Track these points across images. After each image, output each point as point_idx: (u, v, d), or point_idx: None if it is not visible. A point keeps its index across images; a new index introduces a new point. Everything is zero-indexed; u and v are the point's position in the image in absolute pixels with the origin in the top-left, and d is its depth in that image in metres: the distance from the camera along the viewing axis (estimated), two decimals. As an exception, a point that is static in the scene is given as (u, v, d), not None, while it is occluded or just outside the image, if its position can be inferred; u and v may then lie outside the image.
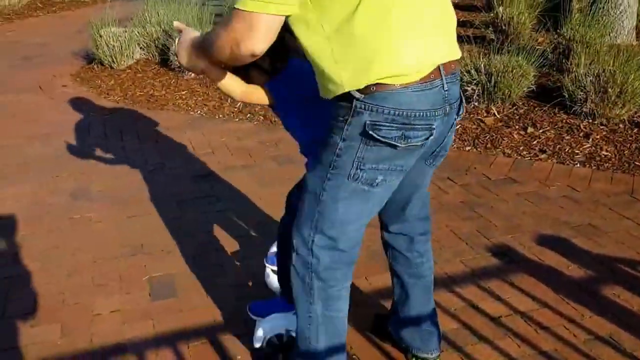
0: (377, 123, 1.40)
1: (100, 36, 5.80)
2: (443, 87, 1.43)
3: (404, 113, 1.39)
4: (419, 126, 1.42)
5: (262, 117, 4.59)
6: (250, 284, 2.54)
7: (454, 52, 1.47)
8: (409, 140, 1.42)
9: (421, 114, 1.40)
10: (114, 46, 5.75)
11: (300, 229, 1.61)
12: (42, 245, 2.91)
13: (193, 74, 5.47)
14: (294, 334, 1.89)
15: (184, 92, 5.23)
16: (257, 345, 2.01)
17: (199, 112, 4.83)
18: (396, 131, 1.40)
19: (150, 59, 6.05)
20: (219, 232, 2.97)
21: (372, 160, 1.46)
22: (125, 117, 4.75)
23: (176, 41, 1.66)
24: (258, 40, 1.34)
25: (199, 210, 3.19)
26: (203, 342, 2.18)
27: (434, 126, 1.44)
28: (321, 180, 1.54)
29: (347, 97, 1.40)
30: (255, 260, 2.70)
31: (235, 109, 4.79)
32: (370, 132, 1.41)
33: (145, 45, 5.98)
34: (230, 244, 2.86)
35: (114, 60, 5.84)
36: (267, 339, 2.01)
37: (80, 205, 3.31)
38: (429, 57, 1.39)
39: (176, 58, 1.86)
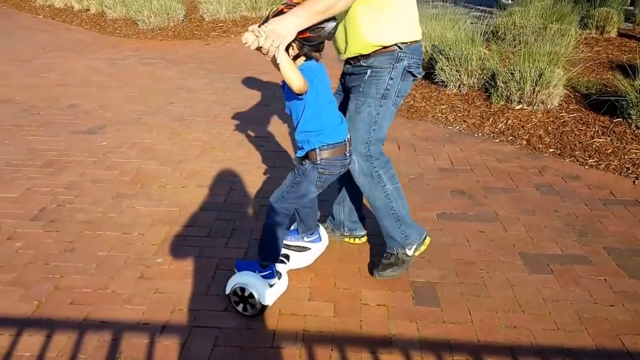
0: (411, 65, 2.41)
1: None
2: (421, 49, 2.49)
3: (420, 58, 2.44)
4: (421, 65, 2.47)
5: (524, 142, 4.48)
6: (513, 310, 2.51)
7: None
8: (420, 74, 2.46)
9: (421, 57, 2.46)
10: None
11: (357, 147, 2.45)
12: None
13: (454, 90, 5.55)
14: (254, 292, 2.40)
15: (444, 106, 5.32)
16: (227, 292, 2.48)
17: (457, 127, 4.87)
18: (417, 68, 2.44)
19: (415, 71, 6.25)
20: (479, 251, 2.97)
21: (404, 90, 2.47)
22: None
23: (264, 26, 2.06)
24: None
25: (458, 226, 3.23)
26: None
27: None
28: (375, 108, 2.43)
29: (390, 48, 2.36)
30: (521, 288, 2.66)
31: (497, 130, 4.74)
32: (409, 71, 2.42)
33: (413, 57, 6.19)
34: (493, 265, 2.85)
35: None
36: (233, 289, 2.45)
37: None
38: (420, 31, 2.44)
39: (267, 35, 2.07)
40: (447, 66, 5.55)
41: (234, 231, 3.14)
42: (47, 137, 4.53)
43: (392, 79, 2.38)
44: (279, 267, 2.56)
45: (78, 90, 5.85)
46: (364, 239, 3.03)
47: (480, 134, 4.72)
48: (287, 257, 2.71)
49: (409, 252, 2.67)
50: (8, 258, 2.84)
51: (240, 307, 2.46)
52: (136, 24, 9.23)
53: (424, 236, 2.72)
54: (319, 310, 2.50)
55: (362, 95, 2.42)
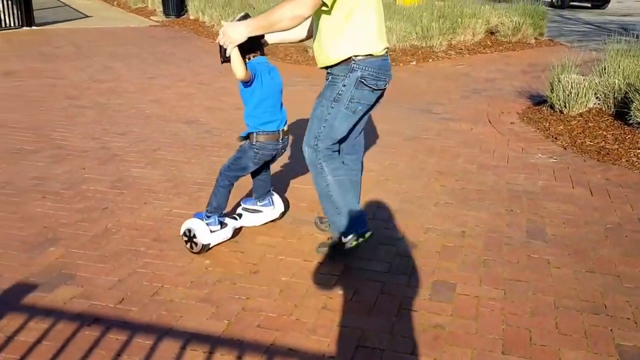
0: (364, 76, 2.77)
1: (559, 81, 5.79)
2: (389, 59, 2.88)
3: (377, 71, 2.78)
4: (382, 78, 2.83)
5: None
6: None
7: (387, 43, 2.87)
8: (378, 86, 2.82)
9: (383, 71, 2.82)
10: (570, 92, 5.67)
11: (308, 139, 2.91)
12: (503, 273, 2.99)
13: None
14: (196, 234, 3.08)
15: None
16: (180, 233, 3.17)
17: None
18: (373, 80, 2.78)
19: (604, 109, 5.78)
20: (702, 320, 2.57)
21: (360, 97, 2.82)
22: (574, 164, 4.62)
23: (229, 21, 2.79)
24: (310, 9, 2.59)
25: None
26: None
27: (387, 80, 2.87)
28: (327, 108, 2.84)
29: (348, 60, 2.75)
30: None
31: None
32: (361, 81, 2.78)
33: (602, 95, 5.74)
34: None
35: (566, 105, 5.76)
36: (183, 231, 3.15)
37: (536, 245, 3.31)
38: (386, 43, 2.84)
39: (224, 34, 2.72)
40: (644, 105, 5.05)
41: (414, 269, 3.02)
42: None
43: (344, 85, 2.82)
44: (231, 221, 3.26)
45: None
46: (369, 234, 3.05)
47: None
48: (240, 215, 3.36)
49: (345, 241, 2.98)
50: (199, 275, 2.96)
51: (188, 245, 3.16)
52: (307, 51, 9.58)
53: (364, 230, 3.00)
54: (514, 367, 2.29)
55: (320, 96, 2.93)
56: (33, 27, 12.08)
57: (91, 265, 3.02)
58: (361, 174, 3.30)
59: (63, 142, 5.00)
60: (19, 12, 11.88)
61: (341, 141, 3.01)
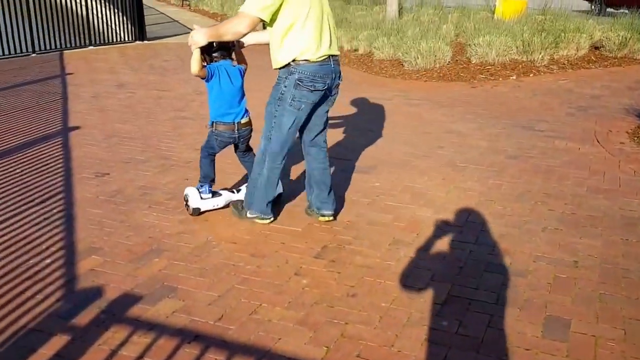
0: (301, 78, 3.31)
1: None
2: (331, 64, 3.37)
3: (314, 74, 3.31)
4: (319, 81, 3.33)
5: None
6: None
7: (335, 50, 3.40)
8: (317, 87, 3.34)
9: (320, 75, 3.33)
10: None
11: (263, 135, 3.50)
12: (622, 311, 2.74)
13: None
14: (189, 199, 3.78)
15: None
16: (183, 195, 3.88)
17: None
18: (310, 82, 3.31)
19: None
20: None
21: (301, 97, 3.35)
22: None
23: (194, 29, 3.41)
24: (247, 28, 3.23)
25: None
26: None
27: (327, 82, 3.38)
28: (274, 106, 3.40)
29: (289, 65, 3.30)
30: None
31: None
32: (298, 83, 3.31)
33: None
34: None
35: (686, 125, 5.30)
36: (183, 196, 3.85)
37: (661, 282, 3.01)
38: (326, 51, 3.32)
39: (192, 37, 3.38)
40: None
41: (524, 302, 2.82)
42: (325, 173, 4.70)
43: (285, 86, 3.35)
44: (227, 193, 3.90)
45: (349, 129, 6.06)
46: (331, 218, 3.73)
47: None
48: (238, 190, 3.95)
49: (249, 214, 3.69)
50: (296, 295, 2.90)
51: (186, 209, 3.82)
52: (402, 64, 9.44)
53: (267, 217, 3.68)
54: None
55: (270, 96, 3.47)
56: (145, 42, 12.74)
57: (192, 279, 3.04)
58: (328, 163, 3.75)
59: (168, 153, 5.16)
60: (133, 28, 12.61)
61: (302, 134, 3.64)
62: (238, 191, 3.93)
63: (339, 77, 3.49)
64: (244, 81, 3.69)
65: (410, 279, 3.04)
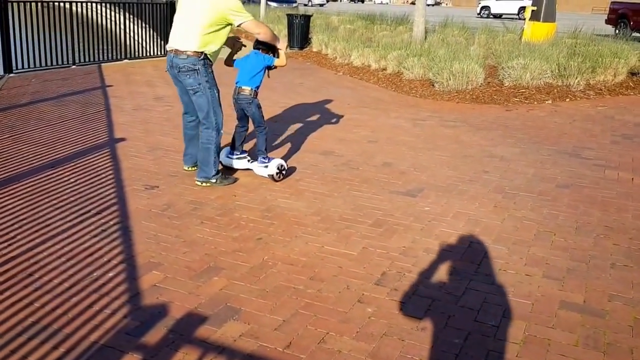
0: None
1: None
2: (171, 57, 4.49)
3: (168, 61, 4.62)
4: (168, 67, 4.63)
5: None
6: None
7: (180, 45, 4.46)
8: (166, 70, 4.71)
9: (169, 62, 4.58)
10: None
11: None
12: None
13: None
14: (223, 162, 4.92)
15: None
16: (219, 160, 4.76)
17: None
18: (167, 68, 4.67)
19: None
20: None
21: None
22: None
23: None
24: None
25: None
26: None
27: (167, 67, 4.62)
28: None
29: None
30: None
31: None
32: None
33: None
34: None
35: None
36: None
37: None
38: (169, 44, 4.55)
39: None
40: None
41: (608, 346, 2.67)
42: (370, 194, 4.57)
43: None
44: (244, 158, 4.98)
45: (388, 149, 5.94)
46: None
47: None
48: (249, 160, 4.98)
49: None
50: (362, 323, 2.77)
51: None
52: (433, 85, 9.32)
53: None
54: None
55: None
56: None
57: (254, 301, 2.92)
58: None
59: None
60: (161, 42, 12.60)
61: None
62: (249, 161, 4.96)
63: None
64: (263, 69, 4.72)
65: (481, 315, 2.90)
